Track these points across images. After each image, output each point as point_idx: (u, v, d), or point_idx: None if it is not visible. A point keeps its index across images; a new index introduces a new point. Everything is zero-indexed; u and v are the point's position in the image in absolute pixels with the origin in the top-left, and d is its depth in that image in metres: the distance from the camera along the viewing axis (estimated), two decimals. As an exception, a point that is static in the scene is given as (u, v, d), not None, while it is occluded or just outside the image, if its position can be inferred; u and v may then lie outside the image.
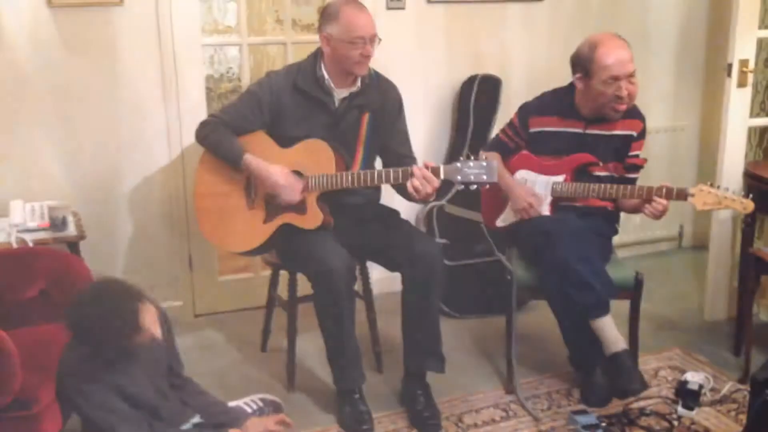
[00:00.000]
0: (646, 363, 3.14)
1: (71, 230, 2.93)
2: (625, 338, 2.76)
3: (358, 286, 2.98)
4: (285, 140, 2.82)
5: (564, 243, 2.68)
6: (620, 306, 2.88)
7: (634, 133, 2.90)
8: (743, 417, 2.72)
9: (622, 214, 3.09)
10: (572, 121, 2.92)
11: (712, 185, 2.68)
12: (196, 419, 2.31)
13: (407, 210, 3.42)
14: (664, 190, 2.70)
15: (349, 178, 2.72)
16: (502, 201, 3.02)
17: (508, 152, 3.05)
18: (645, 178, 3.02)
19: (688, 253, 4.54)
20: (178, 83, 3.37)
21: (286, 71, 2.88)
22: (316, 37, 2.86)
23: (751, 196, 2.66)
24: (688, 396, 2.79)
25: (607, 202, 2.93)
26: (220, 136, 2.79)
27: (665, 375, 3.08)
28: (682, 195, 2.68)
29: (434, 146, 3.90)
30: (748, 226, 3.22)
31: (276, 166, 2.74)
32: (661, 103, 4.36)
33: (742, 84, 3.25)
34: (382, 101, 2.89)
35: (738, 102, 3.28)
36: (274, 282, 3.19)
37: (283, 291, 3.06)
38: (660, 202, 2.70)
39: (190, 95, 3.41)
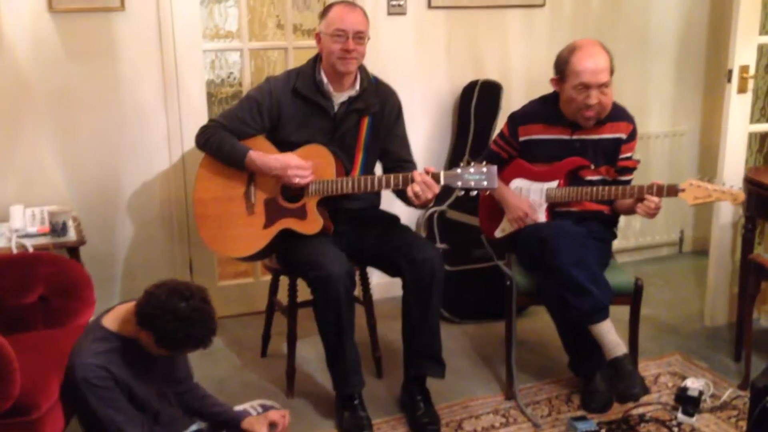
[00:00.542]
0: (647, 369, 3.14)
1: (71, 235, 2.94)
2: (625, 343, 2.75)
3: (358, 292, 2.99)
4: (285, 145, 2.82)
5: (561, 249, 2.68)
6: (620, 311, 2.88)
7: (623, 136, 2.90)
8: (743, 424, 2.71)
9: (622, 219, 3.09)
10: (558, 127, 2.92)
11: (701, 179, 2.68)
12: (195, 427, 2.32)
13: (407, 215, 3.42)
14: (654, 188, 2.71)
15: (349, 183, 2.72)
16: (499, 211, 3.02)
17: (502, 162, 3.04)
18: (645, 183, 3.02)
19: (689, 258, 4.54)
20: (179, 88, 3.38)
21: (286, 76, 2.88)
22: (316, 42, 2.88)
23: (740, 187, 2.66)
24: (688, 402, 2.79)
25: (603, 205, 2.93)
26: (221, 139, 2.79)
27: (665, 381, 3.07)
28: (672, 191, 2.69)
29: (435, 151, 3.90)
30: (749, 231, 3.21)
31: (282, 154, 2.75)
32: (661, 108, 4.36)
33: (742, 90, 3.25)
34: (381, 106, 2.89)
35: (738, 108, 3.28)
36: (274, 287, 3.19)
37: (283, 296, 3.06)
38: (652, 200, 2.70)
39: (191, 100, 3.42)
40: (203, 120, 3.33)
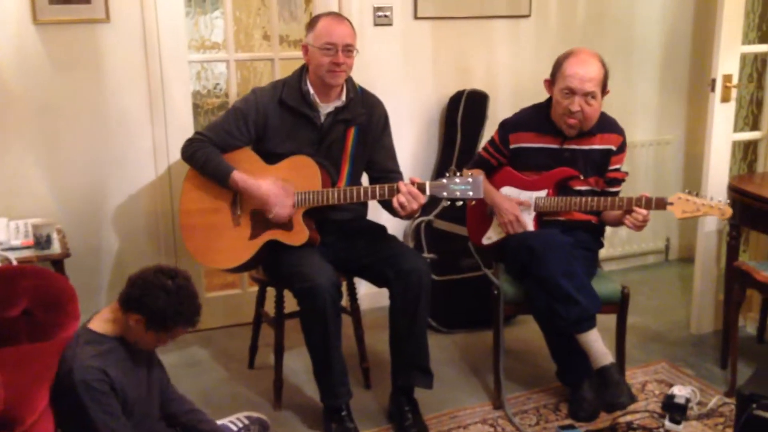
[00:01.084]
0: (634, 377, 3.15)
1: (56, 248, 2.92)
2: (612, 352, 2.76)
3: (345, 302, 2.98)
4: (271, 156, 2.82)
5: (548, 258, 2.68)
6: (607, 320, 2.89)
7: (613, 147, 2.92)
8: (730, 431, 2.73)
9: (608, 228, 3.10)
10: (549, 137, 2.93)
11: (690, 193, 2.70)
12: None
13: (395, 225, 3.43)
14: (643, 201, 2.72)
15: (335, 194, 2.72)
16: (487, 219, 3.03)
17: (491, 169, 3.06)
18: (631, 192, 3.03)
19: (675, 266, 4.56)
20: (165, 99, 3.38)
21: (272, 87, 2.88)
22: (303, 53, 2.88)
23: (728, 201, 2.69)
24: (675, 410, 2.79)
25: (591, 215, 2.94)
26: (207, 155, 2.78)
27: (652, 389, 3.08)
28: (661, 204, 2.70)
29: (422, 161, 3.91)
30: (733, 239, 3.23)
31: (266, 179, 2.74)
32: (646, 117, 4.40)
33: (725, 99, 3.28)
34: (367, 116, 2.89)
35: (722, 117, 3.31)
36: (261, 298, 3.18)
37: (270, 307, 3.05)
38: (640, 212, 2.71)
39: (177, 111, 3.41)
40: (189, 131, 3.33)
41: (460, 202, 2.63)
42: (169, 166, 3.43)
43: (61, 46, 3.18)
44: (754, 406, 2.31)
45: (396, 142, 3.05)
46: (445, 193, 2.60)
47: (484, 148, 3.10)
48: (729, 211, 2.65)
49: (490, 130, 3.63)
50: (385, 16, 3.68)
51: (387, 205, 2.77)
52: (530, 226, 2.92)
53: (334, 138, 2.86)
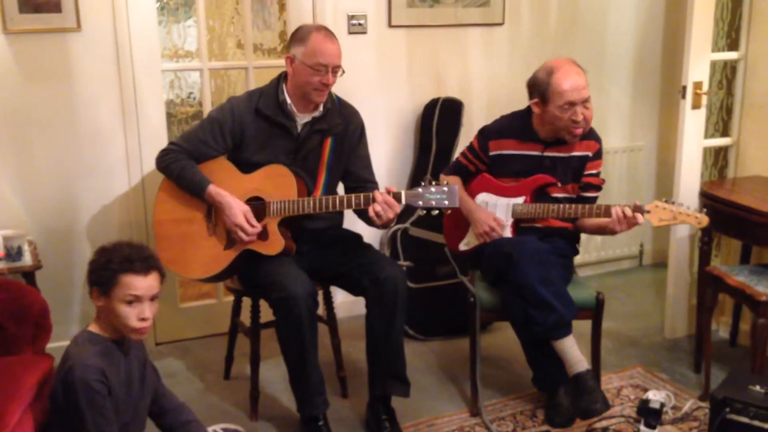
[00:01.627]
0: (609, 382, 3.17)
1: (27, 260, 2.88)
2: (587, 358, 2.78)
3: (321, 311, 2.97)
4: (247, 166, 2.81)
5: (525, 265, 2.70)
6: (582, 325, 2.91)
7: (590, 154, 2.95)
8: (704, 434, 2.76)
9: (583, 234, 3.13)
10: (530, 144, 2.95)
11: (667, 201, 2.73)
12: None
13: (371, 233, 3.42)
14: (621, 209, 2.73)
15: (311, 203, 2.71)
16: (464, 225, 3.04)
17: (469, 175, 3.07)
18: (605, 196, 3.07)
19: (649, 271, 4.61)
20: (138, 109, 3.35)
21: (248, 96, 2.87)
22: (278, 62, 2.87)
23: (705, 210, 2.72)
24: (649, 415, 2.81)
25: (567, 222, 2.96)
26: (182, 167, 2.77)
27: (627, 394, 3.10)
28: (638, 212, 2.72)
29: (398, 168, 3.91)
30: (705, 244, 3.27)
31: (238, 204, 2.72)
32: (618, 124, 4.44)
33: (696, 106, 3.32)
34: (344, 126, 2.89)
35: (693, 123, 3.35)
36: (236, 308, 3.16)
37: (245, 317, 3.03)
38: (626, 210, 2.71)
39: (151, 121, 3.39)
40: (163, 141, 3.30)
41: (436, 212, 2.63)
42: (143, 177, 3.40)
43: (32, 55, 3.14)
44: (728, 409, 2.34)
45: (371, 150, 3.05)
46: (420, 202, 2.60)
47: (463, 154, 3.11)
48: (705, 220, 2.68)
49: (465, 138, 3.65)
50: (360, 24, 3.69)
51: (363, 214, 2.78)
52: (507, 233, 2.93)
53: (310, 148, 2.85)
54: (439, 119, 3.81)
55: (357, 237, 3.00)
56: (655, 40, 4.42)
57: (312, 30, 2.75)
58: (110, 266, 2.07)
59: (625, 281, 4.44)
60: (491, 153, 3.01)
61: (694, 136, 3.37)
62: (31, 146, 3.21)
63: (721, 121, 4.08)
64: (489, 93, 4.00)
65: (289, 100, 2.80)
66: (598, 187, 3.00)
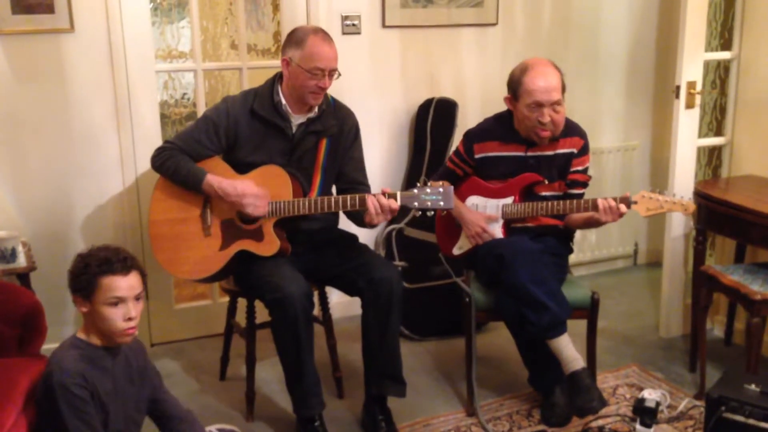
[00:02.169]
0: (605, 381, 3.18)
1: (21, 261, 2.87)
2: (583, 357, 2.78)
3: (317, 312, 2.97)
4: (241, 166, 2.80)
5: (518, 265, 2.70)
6: (578, 325, 2.91)
7: (575, 150, 2.95)
8: (700, 433, 2.76)
9: (578, 233, 3.13)
10: (513, 144, 2.96)
11: (653, 191, 2.74)
12: None
13: (366, 234, 3.42)
14: (608, 201, 2.74)
15: (306, 204, 2.71)
16: (456, 229, 3.04)
17: (458, 179, 3.07)
18: (599, 195, 3.06)
19: (643, 270, 4.62)
20: (132, 110, 3.34)
21: (243, 97, 2.87)
22: (272, 62, 2.86)
23: (691, 198, 2.72)
24: (645, 413, 2.82)
25: (558, 220, 2.96)
26: (178, 162, 2.76)
27: (623, 393, 3.11)
28: (625, 203, 2.73)
29: (392, 169, 3.91)
30: (700, 244, 3.28)
31: (240, 181, 2.72)
32: (612, 124, 4.45)
33: (690, 105, 3.33)
34: (339, 127, 2.89)
35: (686, 123, 3.36)
36: (232, 309, 3.16)
37: (241, 318, 3.02)
38: (609, 201, 2.72)
39: (145, 121, 3.38)
40: (157, 142, 3.29)
41: (431, 213, 2.63)
42: (137, 177, 3.39)
43: (25, 56, 3.13)
44: (723, 408, 2.35)
45: (366, 150, 3.05)
46: (416, 204, 2.60)
47: (450, 159, 3.11)
48: (692, 206, 2.69)
49: (459, 138, 3.65)
50: (353, 24, 3.69)
51: (354, 217, 2.77)
52: (499, 234, 2.93)
53: (305, 149, 2.85)
54: (433, 119, 3.81)
55: (352, 238, 3.00)
56: (648, 40, 4.43)
57: (309, 33, 2.74)
58: (89, 270, 2.06)
59: (619, 280, 4.44)
60: (476, 156, 3.01)
61: (687, 136, 3.38)
62: (24, 147, 3.20)
63: (715, 120, 4.10)
64: (483, 93, 4.01)
65: (284, 101, 2.80)
66: (584, 184, 3.00)
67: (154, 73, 3.40)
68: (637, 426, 2.80)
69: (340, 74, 2.78)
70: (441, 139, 3.81)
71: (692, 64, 3.30)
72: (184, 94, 4.71)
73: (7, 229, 3.05)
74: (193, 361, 3.46)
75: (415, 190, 2.61)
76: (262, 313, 2.82)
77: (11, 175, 3.19)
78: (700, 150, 3.74)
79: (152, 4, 4.25)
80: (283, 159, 2.81)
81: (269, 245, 2.73)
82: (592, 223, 2.84)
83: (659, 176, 4.43)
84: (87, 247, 2.15)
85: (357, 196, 2.66)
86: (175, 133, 3.09)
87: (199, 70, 3.53)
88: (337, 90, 3.02)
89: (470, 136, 3.05)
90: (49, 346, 2.52)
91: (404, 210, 3.37)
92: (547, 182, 2.93)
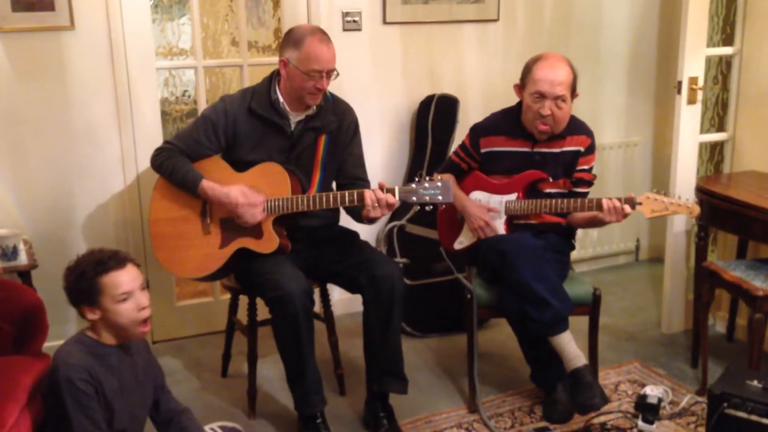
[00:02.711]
0: (607, 377, 3.18)
1: (22, 259, 2.87)
2: (584, 353, 2.78)
3: (318, 309, 2.96)
4: (241, 164, 2.80)
5: (520, 262, 2.70)
6: (579, 321, 2.91)
7: (581, 149, 2.94)
8: (702, 430, 2.76)
9: (579, 230, 3.12)
10: (520, 140, 2.95)
11: (658, 192, 2.73)
12: None
13: (367, 231, 3.42)
14: (613, 201, 2.73)
15: (305, 201, 2.70)
16: (458, 223, 3.03)
17: (462, 173, 3.07)
18: (600, 192, 3.06)
19: (645, 266, 4.61)
20: (133, 107, 3.34)
21: (241, 95, 2.86)
22: (272, 59, 2.86)
23: (696, 200, 2.72)
24: (647, 410, 2.81)
25: (560, 218, 2.96)
26: (175, 164, 2.76)
27: (625, 389, 3.11)
28: (630, 204, 2.72)
29: (393, 165, 3.91)
30: (702, 239, 3.27)
31: (234, 186, 2.72)
32: (614, 120, 4.44)
33: (691, 101, 3.32)
34: (338, 123, 2.89)
35: (688, 118, 3.35)
36: (233, 306, 3.16)
37: (242, 315, 3.02)
38: (614, 201, 2.72)
39: (145, 119, 3.37)
40: (158, 139, 3.29)
41: (431, 207, 2.63)
42: (138, 175, 3.39)
43: (25, 54, 3.12)
44: (725, 405, 2.34)
45: (367, 148, 3.04)
46: (414, 198, 2.60)
47: (455, 153, 3.10)
48: (697, 209, 2.69)
49: (460, 134, 3.65)
50: (354, 21, 3.68)
51: (353, 212, 2.77)
52: (501, 230, 2.93)
53: (304, 146, 2.84)
54: (434, 116, 3.81)
55: (353, 234, 2.99)
56: (650, 36, 4.42)
57: (306, 34, 2.71)
58: (86, 275, 2.06)
59: (621, 277, 4.44)
60: (482, 150, 3.01)
61: (689, 132, 3.37)
62: (25, 145, 3.19)
63: (717, 116, 4.08)
64: (484, 89, 4.00)
65: (281, 99, 2.79)
66: (589, 183, 2.99)
67: (154, 70, 3.40)
68: (639, 422, 2.80)
69: (338, 74, 2.77)
70: (442, 136, 3.80)
71: (694, 60, 3.29)
72: (185, 91, 4.70)
73: (9, 226, 3.05)
74: (195, 358, 3.46)
75: (414, 185, 2.60)
76: (263, 311, 2.81)
77: (12, 172, 3.19)
78: (702, 146, 3.73)
79: (152, 1, 4.25)
80: (282, 156, 2.80)
81: (269, 243, 2.73)
82: (596, 223, 2.84)
83: (661, 172, 4.42)
84: (71, 261, 2.14)
85: (355, 191, 2.65)
86: (176, 131, 3.09)
87: (199, 67, 3.53)
88: (337, 87, 3.01)
89: (477, 131, 3.04)
90: (50, 344, 2.52)
91: (405, 207, 3.38)
92: (551, 180, 2.92)
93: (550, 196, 2.92)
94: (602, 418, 2.84)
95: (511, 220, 2.95)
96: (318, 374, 2.73)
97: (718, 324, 3.67)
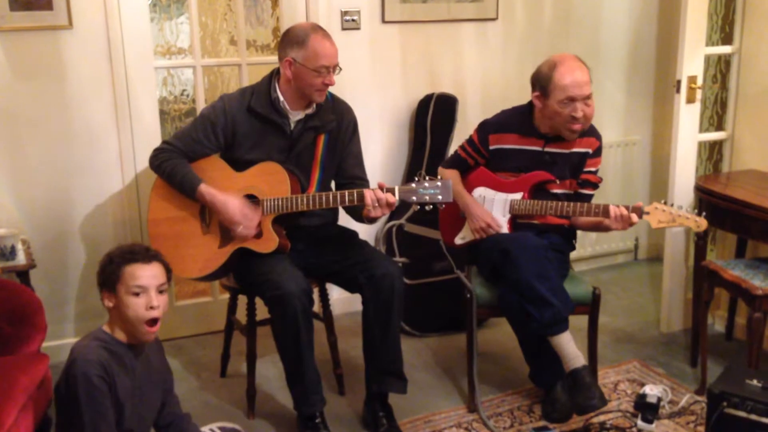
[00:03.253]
0: (606, 377, 3.18)
1: (20, 259, 2.87)
2: (584, 353, 2.77)
3: (318, 308, 2.96)
4: (240, 164, 2.80)
5: (522, 261, 2.69)
6: (578, 320, 2.91)
7: (590, 151, 2.94)
8: (702, 429, 2.76)
9: (579, 231, 3.12)
10: (531, 139, 2.95)
11: (665, 203, 2.72)
12: None
13: (366, 230, 3.42)
14: (620, 209, 2.73)
15: (304, 200, 2.70)
16: (460, 219, 3.03)
17: (467, 169, 3.07)
18: (599, 192, 3.06)
19: (644, 265, 4.61)
20: (131, 106, 3.33)
21: (240, 94, 2.85)
22: (271, 58, 2.85)
23: (704, 214, 2.71)
24: (647, 409, 2.82)
25: (564, 220, 2.96)
26: (174, 166, 2.75)
27: (624, 388, 3.10)
28: (637, 213, 2.72)
29: (392, 165, 3.90)
30: (701, 239, 3.27)
31: (234, 199, 2.71)
32: (613, 119, 4.44)
33: (690, 100, 3.32)
34: (337, 122, 2.88)
35: (687, 117, 3.35)
36: (232, 306, 3.15)
37: (241, 315, 3.02)
38: (621, 209, 2.72)
39: (144, 118, 3.37)
40: (156, 138, 3.28)
41: (430, 207, 2.62)
42: (136, 175, 3.38)
43: (23, 53, 3.12)
44: (725, 404, 2.34)
45: (366, 147, 3.04)
46: (414, 198, 2.60)
47: (462, 148, 3.10)
48: (704, 224, 2.68)
49: (459, 133, 3.65)
50: (353, 20, 3.67)
51: (353, 212, 2.77)
52: (504, 229, 2.92)
53: (304, 145, 2.84)
54: (433, 115, 3.80)
55: (352, 234, 2.99)
56: (649, 35, 4.41)
57: (309, 32, 2.72)
58: (114, 261, 2.11)
59: (620, 276, 4.44)
60: (491, 147, 3.00)
61: (688, 131, 3.37)
62: (23, 145, 3.19)
63: (716, 115, 4.08)
64: (483, 88, 3.99)
65: (281, 98, 2.79)
66: (595, 185, 2.99)
67: (153, 69, 3.39)
68: (639, 422, 2.80)
69: (341, 69, 2.77)
70: (441, 135, 3.79)
71: (693, 59, 3.29)
72: (184, 90, 4.70)
73: (7, 226, 3.05)
74: (194, 358, 3.45)
75: (414, 185, 2.60)
76: (262, 310, 2.81)
77: (10, 172, 3.18)
78: (701, 145, 3.73)
79: (151, 0, 4.24)
80: (281, 156, 2.80)
81: (268, 242, 2.73)
82: (600, 228, 2.84)
83: (660, 171, 4.42)
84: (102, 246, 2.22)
85: (355, 191, 2.65)
86: (174, 130, 3.09)
87: (198, 66, 3.52)
88: (336, 86, 2.99)
89: (486, 127, 3.03)
90: (49, 344, 2.52)
91: (405, 206, 3.38)
92: (558, 181, 2.92)
93: (556, 196, 2.92)
94: (602, 418, 2.84)
95: (514, 219, 2.95)
96: (317, 374, 2.73)
97: (717, 323, 3.67)
